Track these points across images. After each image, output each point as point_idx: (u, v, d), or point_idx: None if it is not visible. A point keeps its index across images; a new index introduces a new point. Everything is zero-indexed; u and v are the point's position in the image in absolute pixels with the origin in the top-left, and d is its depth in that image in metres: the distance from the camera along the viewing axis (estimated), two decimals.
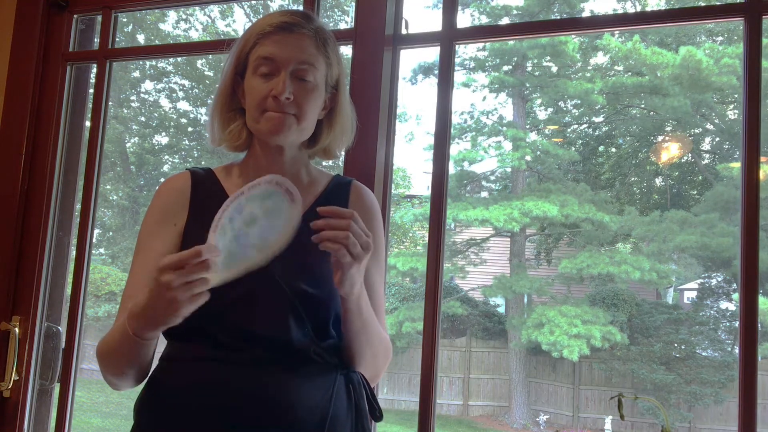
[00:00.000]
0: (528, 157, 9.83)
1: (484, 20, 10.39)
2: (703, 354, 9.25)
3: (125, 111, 11.65)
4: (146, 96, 11.89)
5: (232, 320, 0.96)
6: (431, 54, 11.13)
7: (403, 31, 1.53)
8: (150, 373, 1.03)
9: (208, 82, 11.42)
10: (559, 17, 9.54)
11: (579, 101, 10.42)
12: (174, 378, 0.97)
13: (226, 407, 0.92)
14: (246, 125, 1.07)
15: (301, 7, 1.46)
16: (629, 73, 10.01)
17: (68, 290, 1.74)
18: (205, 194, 1.08)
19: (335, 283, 0.92)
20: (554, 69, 10.39)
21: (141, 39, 11.18)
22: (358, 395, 1.02)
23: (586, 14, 9.94)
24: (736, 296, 9.53)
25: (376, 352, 1.05)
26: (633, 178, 11.56)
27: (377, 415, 1.05)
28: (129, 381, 1.01)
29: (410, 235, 11.05)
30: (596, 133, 11.59)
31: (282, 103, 1.00)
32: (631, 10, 10.31)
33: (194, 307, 0.84)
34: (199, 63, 11.45)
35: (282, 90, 0.99)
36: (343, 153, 1.20)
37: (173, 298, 0.82)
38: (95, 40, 1.89)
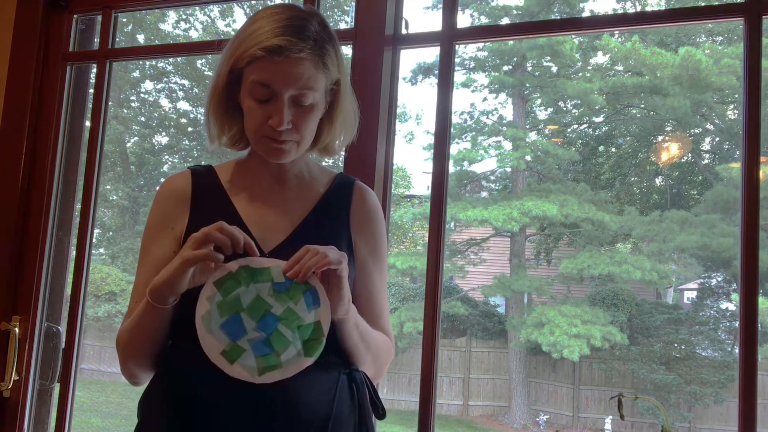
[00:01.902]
0: (528, 157, 9.83)
1: (484, 20, 10.39)
2: (703, 354, 9.25)
3: (125, 111, 11.65)
4: (146, 96, 11.90)
5: None
6: (431, 54, 11.15)
7: (403, 31, 1.53)
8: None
9: (207, 81, 11.36)
10: (558, 17, 9.54)
11: (579, 101, 10.42)
12: (176, 376, 0.97)
13: (229, 407, 0.92)
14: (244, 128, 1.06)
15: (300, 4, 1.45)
16: (629, 73, 10.01)
17: (68, 290, 1.74)
18: (205, 194, 1.08)
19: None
20: (554, 69, 10.39)
21: (141, 39, 11.17)
22: (361, 394, 1.02)
23: (585, 14, 9.94)
24: (735, 297, 9.53)
25: (377, 356, 1.06)
26: (633, 178, 11.56)
27: (380, 412, 1.05)
28: (147, 363, 1.02)
29: (410, 234, 11.05)
30: (596, 133, 11.59)
31: (280, 132, 0.98)
32: (631, 10, 10.31)
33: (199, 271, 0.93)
34: (199, 63, 11.45)
35: (280, 122, 0.97)
36: (344, 150, 1.19)
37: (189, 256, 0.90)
38: (95, 40, 1.89)
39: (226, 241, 0.90)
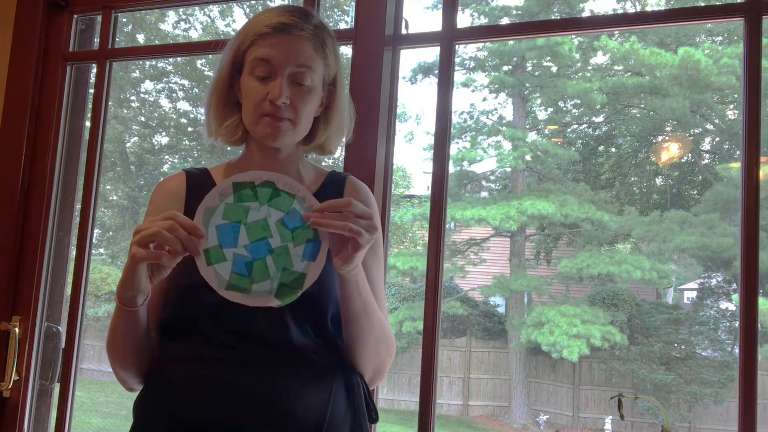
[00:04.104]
0: (528, 157, 9.83)
1: (484, 20, 10.39)
2: (703, 354, 9.25)
3: (125, 111, 11.65)
4: (146, 96, 11.90)
5: (228, 320, 0.96)
6: (431, 53, 11.15)
7: (403, 31, 1.53)
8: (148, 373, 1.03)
9: (207, 81, 11.36)
10: (558, 17, 9.54)
11: (579, 101, 10.42)
12: (171, 377, 0.97)
13: (224, 407, 0.92)
14: (242, 121, 1.07)
15: (301, 4, 1.46)
16: (629, 73, 10.01)
17: (68, 290, 1.74)
18: (199, 195, 1.07)
19: (335, 266, 0.91)
20: (554, 69, 10.40)
21: (141, 39, 11.17)
22: (357, 396, 1.02)
23: (585, 14, 9.94)
24: (735, 297, 9.53)
25: (379, 340, 1.03)
26: (633, 178, 11.56)
27: (373, 416, 1.05)
28: (132, 370, 1.02)
29: (410, 234, 11.05)
30: (596, 133, 11.59)
31: (278, 108, 0.99)
32: (631, 10, 10.31)
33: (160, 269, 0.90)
34: (199, 63, 11.45)
35: (278, 95, 0.98)
36: (340, 149, 1.19)
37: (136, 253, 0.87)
38: (95, 40, 1.89)
39: (176, 245, 0.87)
